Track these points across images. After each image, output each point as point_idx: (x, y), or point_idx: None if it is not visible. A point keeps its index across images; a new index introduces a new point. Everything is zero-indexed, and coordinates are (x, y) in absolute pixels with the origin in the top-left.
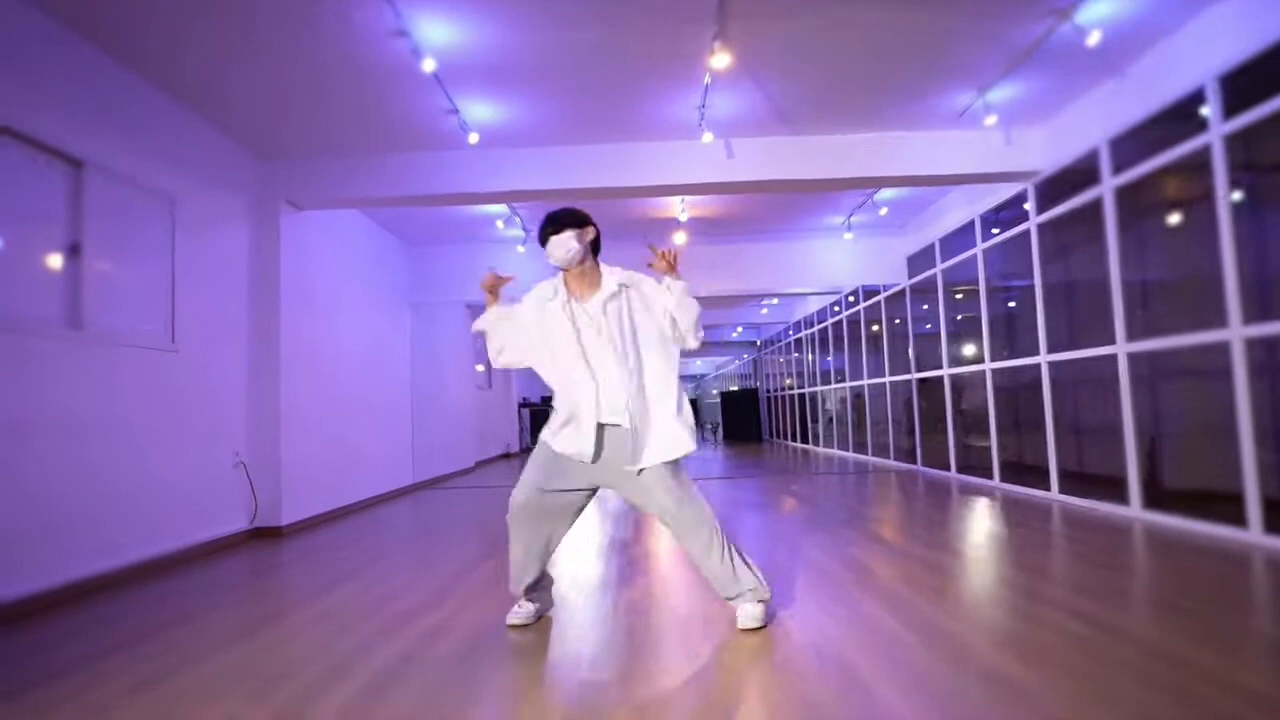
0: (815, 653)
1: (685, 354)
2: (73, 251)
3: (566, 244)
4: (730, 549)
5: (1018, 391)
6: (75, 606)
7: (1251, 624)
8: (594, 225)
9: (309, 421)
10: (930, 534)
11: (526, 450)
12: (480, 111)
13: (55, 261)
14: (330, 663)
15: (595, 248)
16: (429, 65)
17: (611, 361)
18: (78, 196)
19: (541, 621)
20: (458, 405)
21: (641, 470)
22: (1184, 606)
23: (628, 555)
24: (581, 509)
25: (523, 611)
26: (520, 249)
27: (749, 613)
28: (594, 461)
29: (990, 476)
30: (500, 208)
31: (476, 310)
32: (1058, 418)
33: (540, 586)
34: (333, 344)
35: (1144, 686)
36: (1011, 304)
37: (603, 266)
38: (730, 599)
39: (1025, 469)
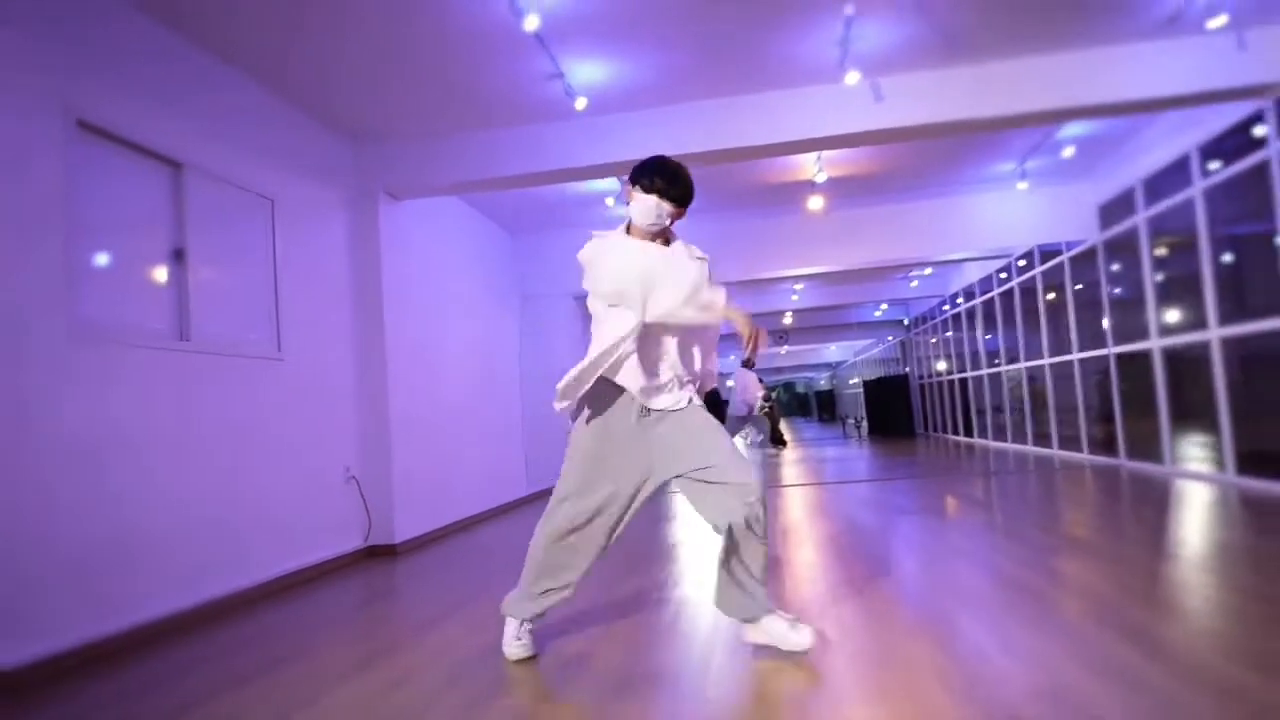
0: (1052, 700)
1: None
2: (177, 257)
3: (662, 215)
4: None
5: (1258, 363)
6: (180, 639)
7: None
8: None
9: (419, 430)
10: (1151, 540)
11: None
12: (586, 72)
13: (160, 269)
14: (456, 701)
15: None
16: (531, 23)
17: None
18: (179, 200)
19: (664, 646)
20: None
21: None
22: None
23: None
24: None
25: (526, 641)
26: None
27: (793, 635)
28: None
29: (1221, 469)
30: (609, 183)
31: (584, 302)
32: None
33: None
34: (439, 344)
35: None
36: (1242, 257)
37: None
38: (748, 620)
39: (1271, 459)
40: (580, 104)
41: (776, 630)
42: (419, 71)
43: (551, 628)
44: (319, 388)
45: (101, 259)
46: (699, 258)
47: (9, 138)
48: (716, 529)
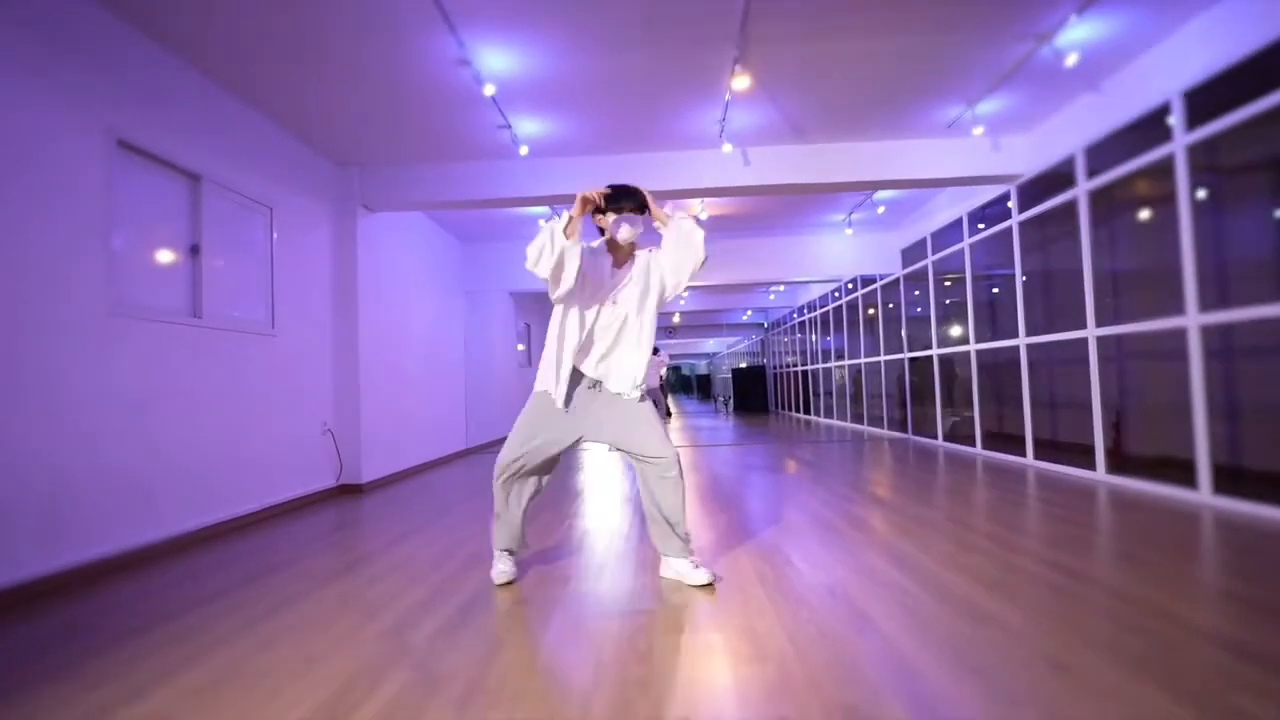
0: (827, 592)
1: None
2: (193, 252)
3: (636, 229)
4: (683, 501)
5: (999, 369)
6: (198, 550)
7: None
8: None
9: (383, 395)
10: (920, 493)
11: None
12: (529, 126)
13: (180, 260)
14: (424, 593)
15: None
16: (489, 90)
17: (628, 329)
18: (196, 205)
19: (570, 563)
20: (503, 380)
21: (627, 399)
22: (1141, 556)
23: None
24: (559, 457)
25: (508, 568)
26: None
27: (694, 571)
28: (584, 406)
29: (973, 444)
30: (542, 209)
31: (520, 298)
32: (1034, 394)
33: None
34: (401, 328)
35: (1116, 626)
36: (995, 291)
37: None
38: (667, 554)
39: (1005, 437)
40: (523, 151)
41: (682, 568)
42: (399, 115)
43: (487, 553)
44: (304, 358)
45: (134, 251)
46: (648, 250)
47: (64, 153)
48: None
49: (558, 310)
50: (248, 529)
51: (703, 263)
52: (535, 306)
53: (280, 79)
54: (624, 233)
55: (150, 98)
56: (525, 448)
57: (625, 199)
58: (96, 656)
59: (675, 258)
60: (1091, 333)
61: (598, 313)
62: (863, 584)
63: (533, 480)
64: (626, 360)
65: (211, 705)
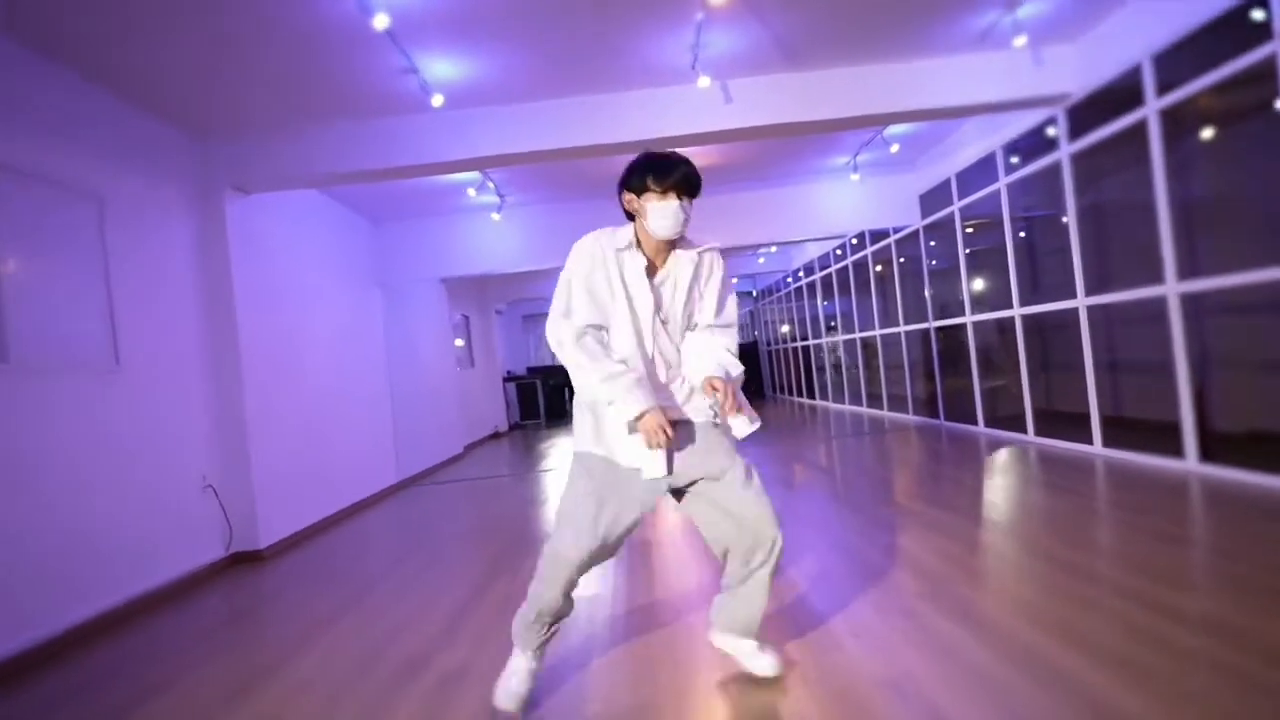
0: (895, 691)
1: None
2: None
3: (683, 215)
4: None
5: (1050, 335)
6: (38, 674)
7: None
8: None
9: (280, 428)
10: (976, 507)
11: (516, 427)
12: (443, 69)
13: None
14: None
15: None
16: (380, 22)
17: (676, 341)
18: None
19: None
20: (440, 388)
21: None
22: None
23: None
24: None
25: (526, 674)
26: (495, 216)
27: (758, 656)
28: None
29: (1024, 429)
30: (471, 175)
31: (452, 284)
32: (1097, 367)
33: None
34: (299, 339)
35: None
36: (1039, 245)
37: None
38: (734, 643)
39: (1063, 418)
40: (437, 100)
41: (743, 648)
42: (262, 65)
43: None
44: (165, 396)
45: None
46: (706, 251)
47: None
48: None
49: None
50: (111, 630)
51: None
52: (474, 292)
53: (99, 27)
54: (674, 217)
55: None
56: (600, 525)
57: (675, 172)
58: None
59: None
60: (1172, 289)
61: (650, 337)
62: (944, 673)
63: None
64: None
65: None
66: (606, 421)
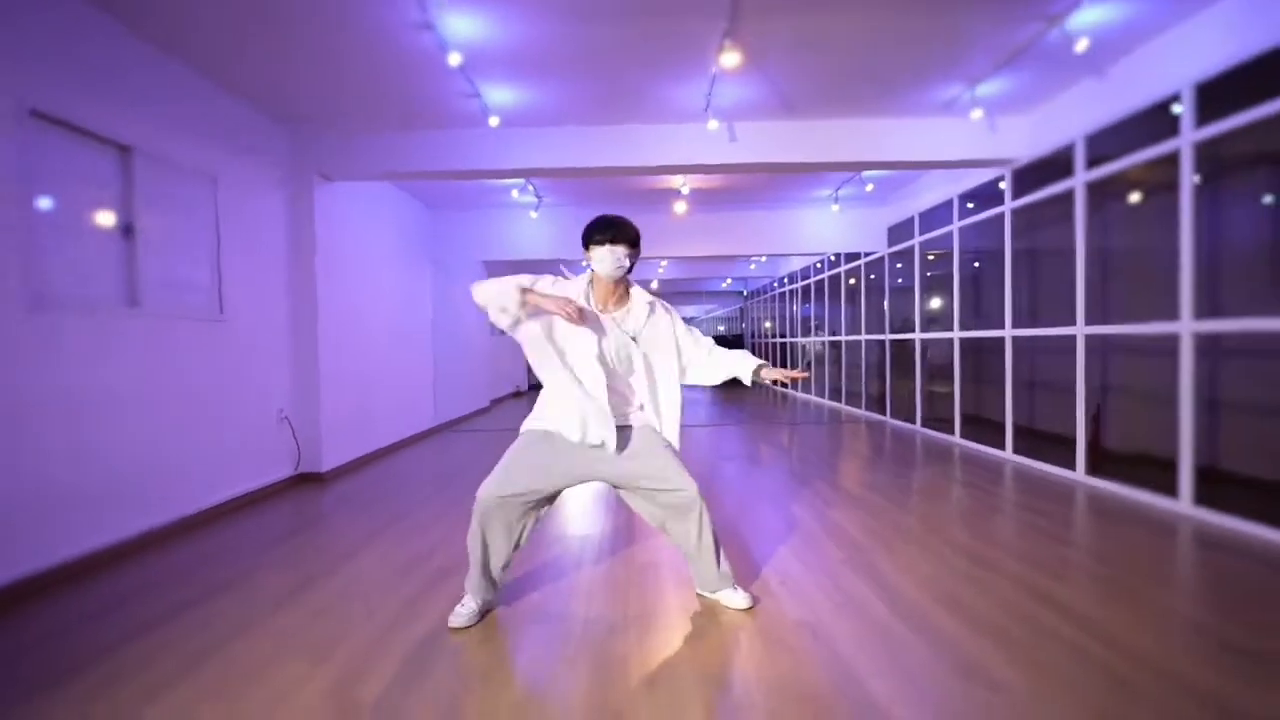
0: (810, 633)
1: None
2: (127, 233)
3: (620, 258)
4: (715, 535)
5: (981, 355)
6: (143, 558)
7: None
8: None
9: (344, 375)
10: (902, 495)
11: (534, 388)
12: (500, 95)
13: (112, 243)
14: (380, 628)
15: (630, 267)
16: (454, 59)
17: (623, 372)
18: (128, 180)
19: (554, 587)
20: (473, 352)
21: (631, 434)
22: (1146, 593)
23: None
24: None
25: (466, 611)
26: (533, 215)
27: (736, 597)
28: (592, 448)
29: (951, 431)
30: (516, 180)
31: (493, 267)
32: (1017, 382)
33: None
34: (363, 302)
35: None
36: (981, 276)
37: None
38: (712, 593)
39: (984, 424)
40: (493, 121)
41: (725, 597)
42: (354, 77)
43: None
44: (257, 342)
45: (58, 237)
46: (648, 303)
47: None
48: (663, 529)
49: (548, 352)
50: (199, 529)
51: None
52: (510, 274)
53: (221, 35)
54: (603, 261)
55: (68, 58)
56: (531, 479)
57: (611, 233)
58: (34, 693)
59: (704, 369)
60: (1081, 330)
61: (599, 357)
62: (849, 625)
63: (531, 514)
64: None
65: None
66: (554, 404)
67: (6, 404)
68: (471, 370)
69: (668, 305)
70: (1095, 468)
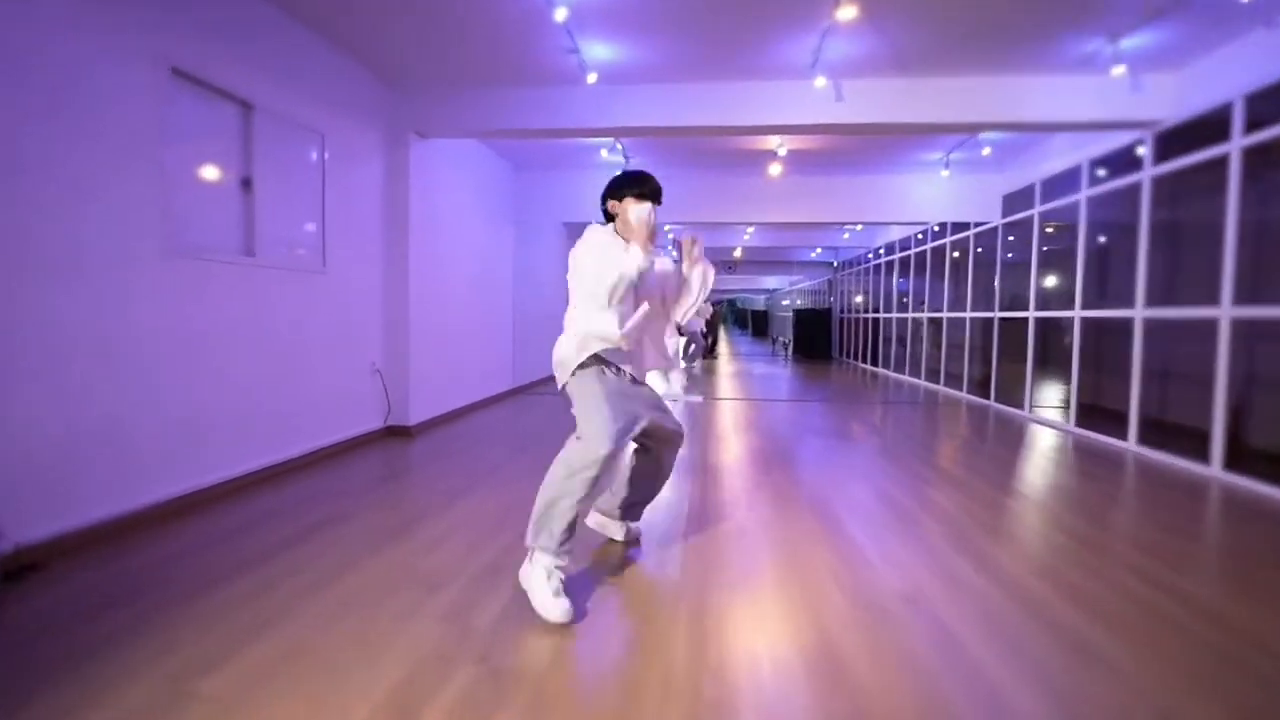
0: (908, 602)
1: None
2: (245, 186)
3: (650, 214)
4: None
5: (1104, 337)
6: (251, 495)
7: None
8: None
9: (432, 333)
10: (1005, 478)
11: None
12: (600, 51)
13: (233, 196)
14: (484, 565)
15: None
16: (561, 14)
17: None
18: (248, 136)
19: (659, 554)
20: (552, 315)
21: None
22: (1190, 529)
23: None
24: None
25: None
26: None
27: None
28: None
29: (1066, 418)
30: (606, 139)
31: (573, 228)
32: (1146, 368)
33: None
34: (450, 262)
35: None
36: (1109, 253)
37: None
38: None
39: (1102, 411)
40: (591, 78)
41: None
42: (458, 34)
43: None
44: (354, 296)
45: (188, 188)
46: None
47: (116, 83)
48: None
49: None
50: (297, 472)
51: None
52: (589, 236)
53: None
54: (647, 219)
55: (202, 20)
56: (628, 410)
57: (657, 197)
58: (164, 618)
59: (684, 301)
60: (1226, 312)
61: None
62: (948, 594)
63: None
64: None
65: (282, 690)
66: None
67: (141, 342)
68: (550, 333)
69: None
70: (1234, 463)
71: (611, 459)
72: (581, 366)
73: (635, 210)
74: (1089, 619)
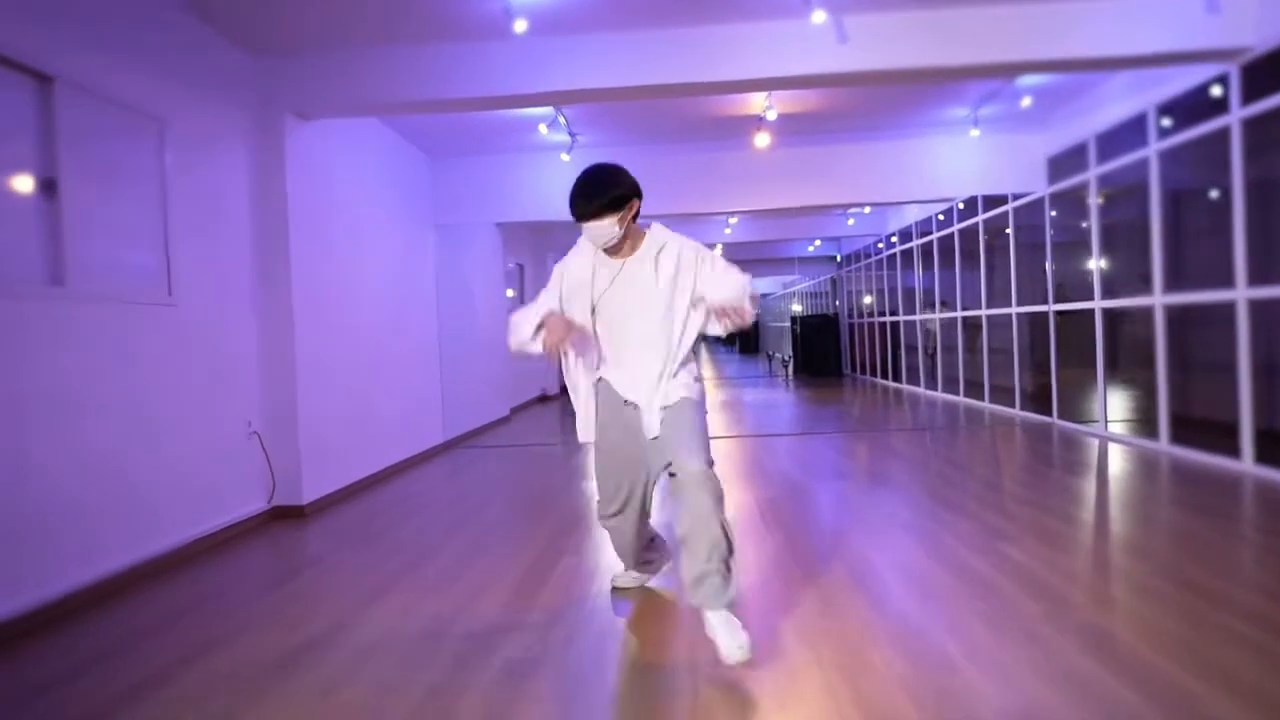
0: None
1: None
2: (47, 189)
3: (608, 230)
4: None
5: (1192, 330)
6: (79, 621)
7: None
8: (638, 197)
9: (329, 376)
10: (1101, 521)
11: (565, 390)
12: None
13: (27, 203)
14: (409, 709)
15: (635, 215)
16: None
17: (656, 320)
18: (49, 121)
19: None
20: (490, 342)
21: (668, 408)
22: None
23: None
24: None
25: (629, 576)
26: (565, 157)
27: (737, 639)
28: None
29: (1155, 435)
30: (544, 109)
31: (508, 230)
32: (1258, 366)
33: (653, 549)
34: (351, 281)
35: None
36: (1189, 223)
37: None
38: (712, 609)
39: (1201, 424)
40: (520, 26)
41: (720, 627)
42: None
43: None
44: (216, 333)
45: None
46: (664, 246)
47: None
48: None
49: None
50: (149, 580)
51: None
52: (530, 241)
53: None
54: (592, 237)
55: None
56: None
57: (588, 204)
58: None
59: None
60: None
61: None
62: (1079, 710)
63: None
64: (644, 362)
65: None
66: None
67: None
68: (488, 367)
69: (690, 242)
70: None
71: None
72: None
73: (591, 232)
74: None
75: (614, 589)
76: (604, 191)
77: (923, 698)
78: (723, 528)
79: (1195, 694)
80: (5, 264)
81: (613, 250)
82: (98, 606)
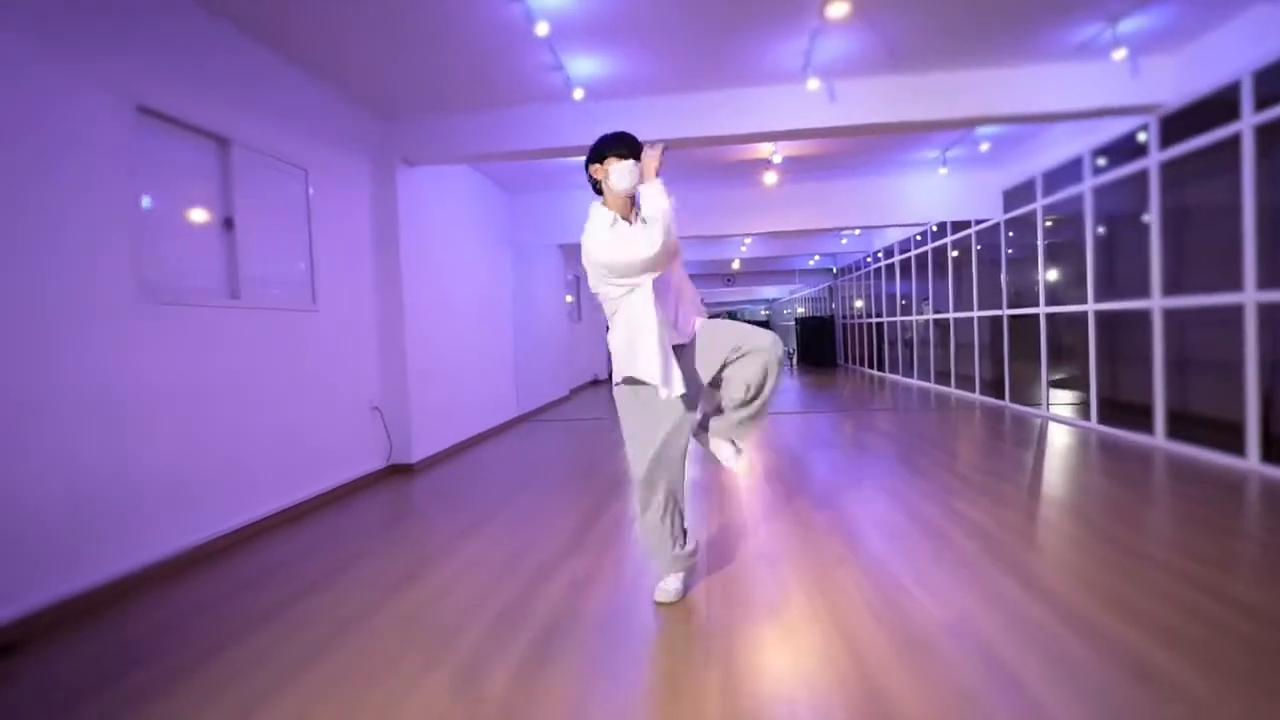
0: (955, 634)
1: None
2: (227, 225)
3: (631, 172)
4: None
5: (1118, 330)
6: (245, 551)
7: None
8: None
9: (431, 366)
10: (1035, 485)
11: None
12: (584, 66)
13: (214, 237)
14: (493, 618)
15: None
16: (542, 29)
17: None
18: (226, 173)
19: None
20: (553, 338)
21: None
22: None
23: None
24: (686, 446)
25: (672, 587)
26: None
27: (737, 458)
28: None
29: (1087, 416)
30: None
31: (568, 249)
32: (1169, 361)
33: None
34: (447, 291)
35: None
36: (1117, 244)
37: None
38: (740, 439)
39: (1124, 407)
40: (578, 94)
41: (726, 452)
42: (441, 59)
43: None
44: (347, 334)
45: (162, 230)
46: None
47: (79, 125)
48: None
49: (615, 296)
50: (296, 522)
51: (649, 257)
52: (582, 259)
53: (312, 23)
54: (621, 178)
55: (169, 54)
56: (656, 447)
57: (626, 148)
58: (152, 694)
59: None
60: (1251, 297)
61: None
62: (998, 622)
63: (667, 490)
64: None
65: None
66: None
67: (118, 393)
68: (551, 357)
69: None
70: (1272, 454)
71: (648, 485)
72: (618, 384)
73: (616, 172)
74: (1150, 639)
75: (657, 604)
76: (633, 141)
77: (880, 611)
78: (771, 388)
79: (1092, 613)
80: (202, 283)
81: (625, 212)
82: (269, 534)
